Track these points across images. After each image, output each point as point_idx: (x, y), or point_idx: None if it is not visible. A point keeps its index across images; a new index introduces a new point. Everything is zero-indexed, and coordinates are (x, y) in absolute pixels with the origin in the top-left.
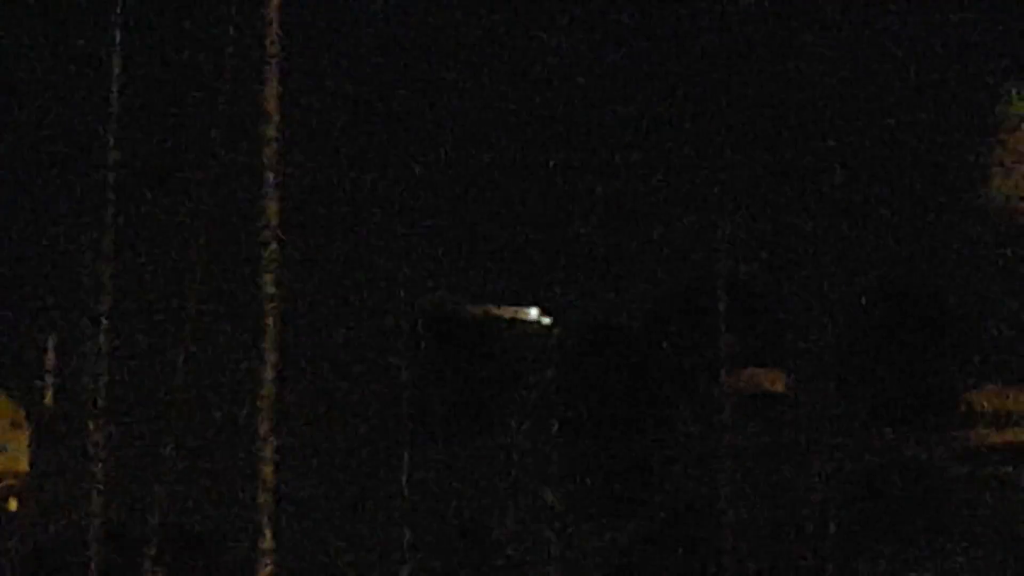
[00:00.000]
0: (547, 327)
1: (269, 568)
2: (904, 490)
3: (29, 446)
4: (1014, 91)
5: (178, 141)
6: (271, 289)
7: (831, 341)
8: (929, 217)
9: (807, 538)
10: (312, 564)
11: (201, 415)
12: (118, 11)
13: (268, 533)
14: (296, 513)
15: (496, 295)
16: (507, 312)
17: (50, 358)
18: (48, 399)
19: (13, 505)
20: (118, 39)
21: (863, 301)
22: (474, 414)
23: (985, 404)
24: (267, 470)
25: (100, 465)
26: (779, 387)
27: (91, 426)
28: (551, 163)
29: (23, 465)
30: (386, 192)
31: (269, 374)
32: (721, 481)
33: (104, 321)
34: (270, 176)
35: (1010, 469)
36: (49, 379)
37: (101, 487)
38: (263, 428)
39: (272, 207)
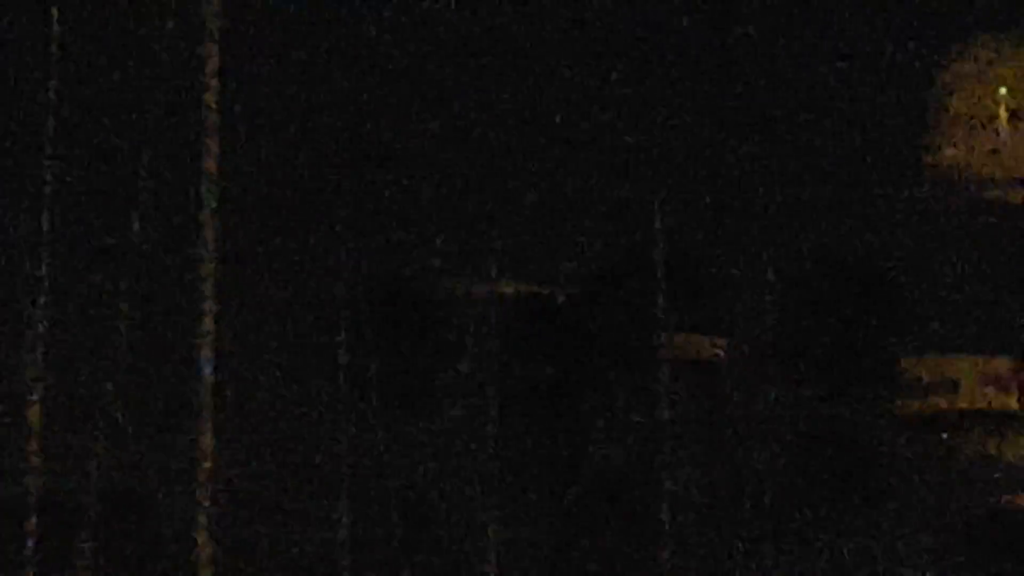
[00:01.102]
0: (487, 298)
1: (207, 538)
2: (840, 458)
3: None
4: (956, 57)
5: (114, 124)
6: (210, 265)
7: (769, 308)
8: (868, 185)
9: (744, 505)
10: (250, 534)
11: (139, 385)
12: None
13: (206, 503)
14: (235, 484)
15: (435, 267)
16: (447, 283)
17: None
18: None
19: None
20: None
21: (802, 269)
22: (413, 386)
23: (921, 372)
24: (206, 439)
25: (35, 438)
26: (717, 354)
27: (28, 399)
28: (489, 135)
29: None
30: (326, 165)
31: (207, 347)
32: (658, 448)
33: (41, 291)
34: (209, 147)
35: (944, 436)
36: None
37: (37, 458)
38: (202, 398)
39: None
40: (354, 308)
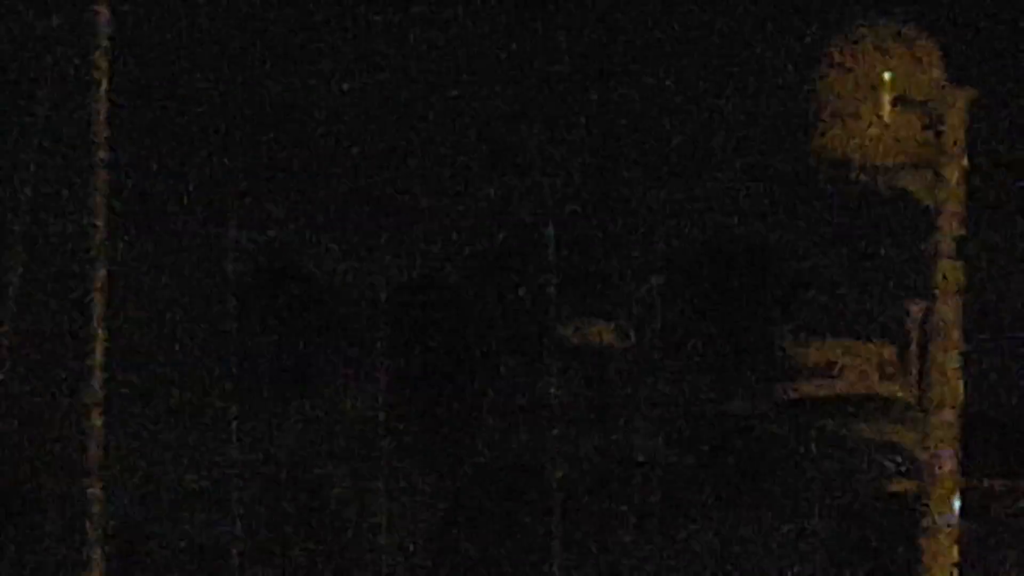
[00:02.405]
0: (374, 282)
1: (97, 521)
2: (729, 444)
3: None
4: (841, 43)
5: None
6: (99, 247)
7: (658, 294)
8: (753, 171)
9: (633, 490)
10: (141, 518)
11: (26, 369)
12: None
13: (97, 486)
14: (125, 466)
15: (324, 251)
16: (334, 267)
17: None
18: None
19: None
20: None
21: (689, 254)
22: (302, 368)
23: (804, 357)
24: (96, 423)
25: None
26: (605, 340)
27: None
28: (377, 120)
29: None
30: (216, 148)
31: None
32: (547, 434)
33: None
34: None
35: (830, 422)
36: None
37: None
38: (93, 382)
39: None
40: (243, 289)
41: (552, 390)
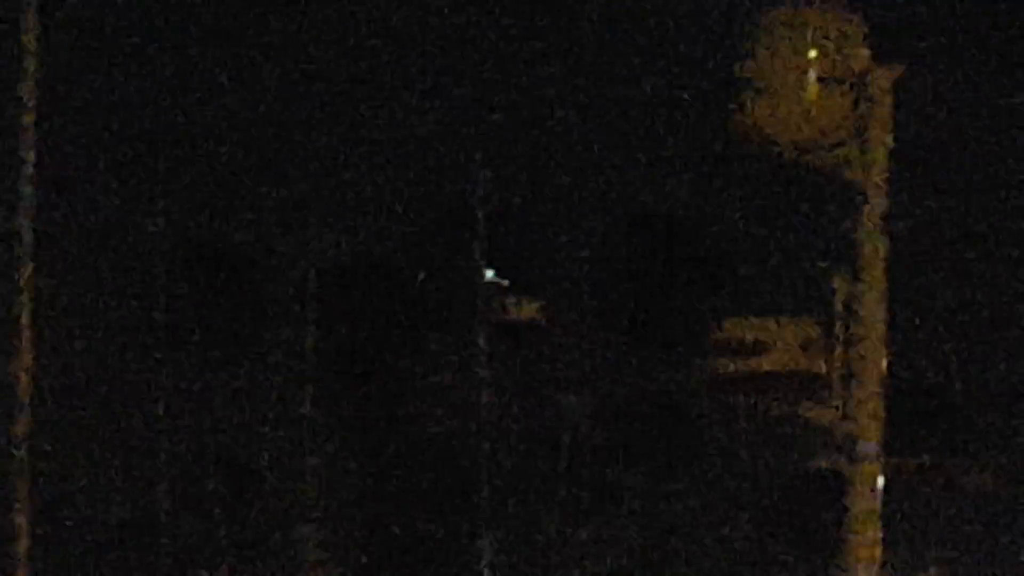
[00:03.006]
0: (303, 259)
1: (24, 495)
2: (657, 420)
3: None
4: (767, 21)
5: None
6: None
7: (586, 270)
8: (681, 147)
9: (561, 467)
10: (66, 491)
11: None
12: None
13: (24, 458)
14: (52, 439)
15: (251, 228)
16: (262, 244)
17: None
18: None
19: None
20: None
21: (618, 230)
22: (232, 345)
23: (731, 334)
24: (22, 393)
25: None
26: (534, 316)
27: None
28: (308, 95)
29: None
30: (147, 128)
31: (24, 304)
32: (476, 410)
33: None
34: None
35: (755, 399)
36: None
37: None
38: (21, 360)
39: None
40: (173, 266)
41: (480, 368)
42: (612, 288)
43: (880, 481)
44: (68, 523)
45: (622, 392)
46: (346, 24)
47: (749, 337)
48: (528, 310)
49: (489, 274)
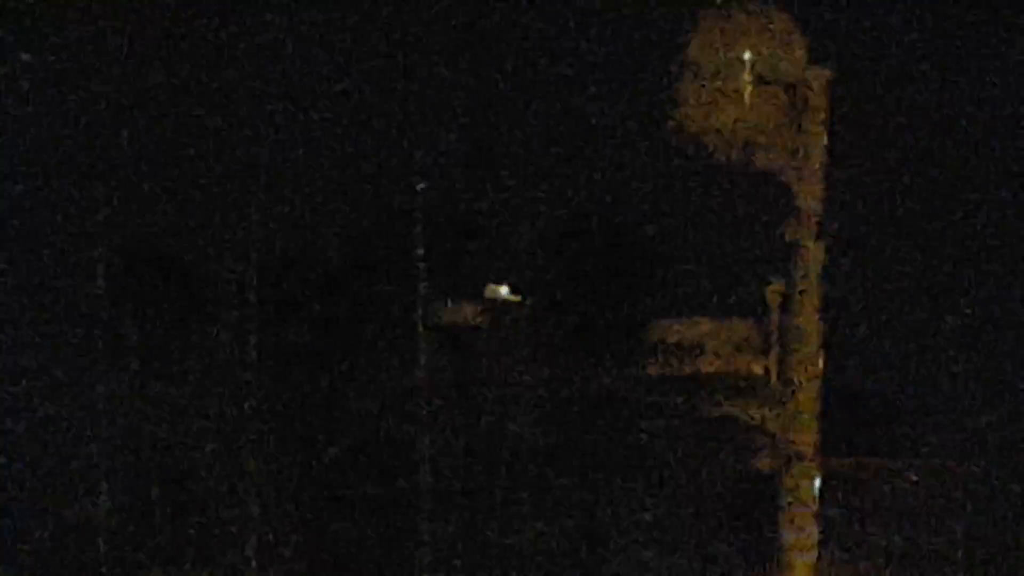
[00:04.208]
0: (240, 262)
1: None
2: (595, 422)
3: None
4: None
5: None
6: None
7: (526, 273)
8: (620, 148)
9: (501, 470)
10: (8, 497)
11: None
12: None
13: None
14: None
15: (193, 233)
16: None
17: None
18: None
19: None
20: None
21: (556, 233)
22: (171, 346)
23: (667, 335)
24: None
25: None
26: (474, 319)
27: None
28: (247, 102)
29: None
30: (84, 134)
31: None
32: (417, 414)
33: None
34: None
35: (693, 399)
36: None
37: None
38: None
39: None
40: (111, 272)
41: (420, 371)
42: (553, 289)
43: (817, 481)
44: (5, 528)
45: (562, 394)
46: (283, 31)
47: (685, 339)
48: (467, 314)
49: (503, 291)
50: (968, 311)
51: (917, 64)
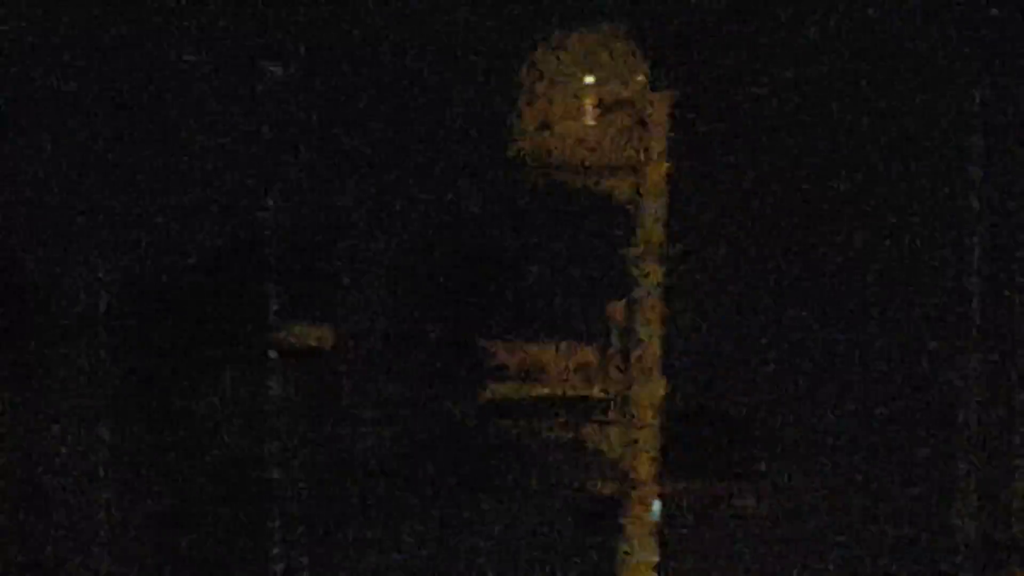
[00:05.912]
0: (93, 287)
1: None
2: (447, 447)
3: None
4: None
5: None
6: None
7: (378, 297)
8: (461, 173)
9: (355, 494)
10: None
11: None
12: None
13: None
14: None
15: (39, 256)
16: (51, 272)
17: None
18: None
19: None
20: None
21: (406, 257)
22: (23, 366)
23: (508, 358)
24: None
25: None
26: (326, 343)
27: None
28: (97, 118)
29: None
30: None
31: None
32: (268, 437)
33: None
34: None
35: (532, 424)
36: None
37: None
38: None
39: None
40: None
41: (271, 393)
42: (399, 315)
43: (657, 506)
44: None
45: (412, 420)
46: (132, 50)
47: (525, 362)
48: (320, 337)
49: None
50: (816, 328)
51: (757, 79)
